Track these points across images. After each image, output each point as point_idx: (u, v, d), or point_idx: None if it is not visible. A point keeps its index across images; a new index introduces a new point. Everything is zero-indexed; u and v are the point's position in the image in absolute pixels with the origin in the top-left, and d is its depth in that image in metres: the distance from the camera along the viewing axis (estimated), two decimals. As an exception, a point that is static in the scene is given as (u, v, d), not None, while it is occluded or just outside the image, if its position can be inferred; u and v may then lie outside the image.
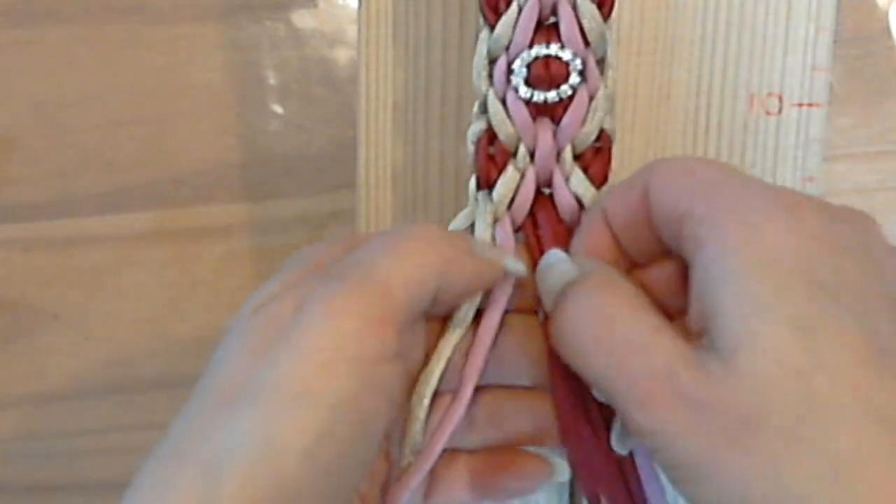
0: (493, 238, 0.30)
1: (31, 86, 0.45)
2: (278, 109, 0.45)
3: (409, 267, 0.26)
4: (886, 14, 0.44)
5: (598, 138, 0.31)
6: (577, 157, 0.31)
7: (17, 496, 0.44)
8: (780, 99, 0.37)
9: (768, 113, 0.37)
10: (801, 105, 0.37)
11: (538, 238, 0.31)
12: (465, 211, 0.31)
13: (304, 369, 0.24)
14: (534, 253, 0.31)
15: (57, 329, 0.44)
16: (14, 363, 0.44)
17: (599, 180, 0.31)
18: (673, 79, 0.37)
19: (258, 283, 0.45)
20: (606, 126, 0.30)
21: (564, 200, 0.30)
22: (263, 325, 0.25)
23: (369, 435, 0.25)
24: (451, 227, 0.31)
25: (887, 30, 0.44)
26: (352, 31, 0.45)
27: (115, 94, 0.45)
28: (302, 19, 0.45)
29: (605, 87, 0.30)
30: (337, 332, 0.24)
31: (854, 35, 0.44)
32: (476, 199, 0.31)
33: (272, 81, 0.45)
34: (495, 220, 0.31)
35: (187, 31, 0.45)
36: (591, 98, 0.30)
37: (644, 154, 0.37)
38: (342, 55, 0.45)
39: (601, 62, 0.30)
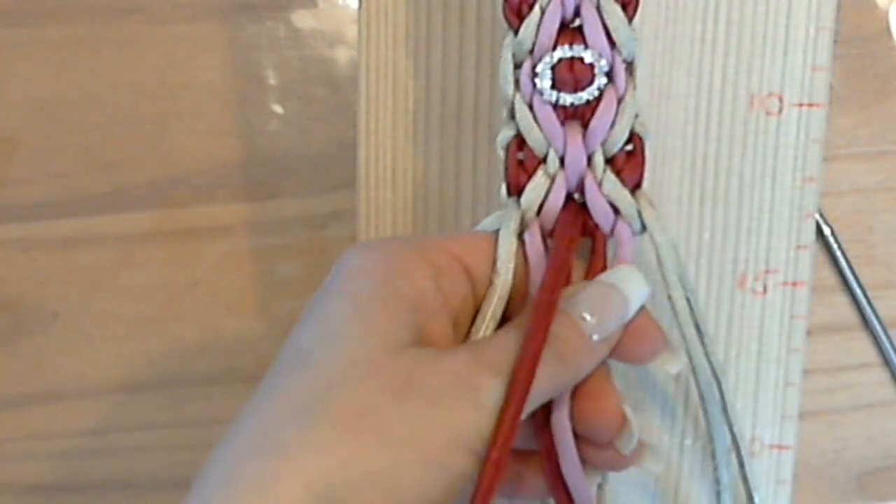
0: (522, 245, 0.30)
1: (31, 86, 0.45)
2: (278, 109, 0.45)
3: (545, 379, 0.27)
4: (886, 14, 0.44)
5: (630, 141, 0.30)
6: (608, 162, 0.30)
7: (17, 496, 0.44)
8: (780, 99, 0.37)
9: (768, 113, 0.37)
10: (801, 105, 0.37)
11: (567, 245, 0.30)
12: (493, 216, 0.31)
13: (446, 440, 0.25)
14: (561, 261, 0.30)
15: (57, 329, 0.44)
16: (14, 363, 0.44)
17: (633, 184, 0.30)
18: (673, 79, 0.37)
19: (258, 283, 0.45)
20: (638, 129, 0.30)
21: (598, 206, 0.30)
22: (406, 369, 0.26)
23: None
24: (476, 230, 0.31)
25: (887, 30, 0.44)
26: (352, 31, 0.45)
27: (115, 94, 0.45)
28: (302, 19, 0.45)
29: (635, 88, 0.30)
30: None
31: (854, 35, 0.44)
32: (505, 206, 0.30)
33: (272, 81, 0.45)
34: (524, 227, 0.30)
35: (187, 31, 0.45)
36: (620, 100, 0.30)
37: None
38: (342, 55, 0.45)
39: (630, 65, 0.30)
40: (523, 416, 0.27)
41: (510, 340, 0.27)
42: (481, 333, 0.29)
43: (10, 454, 0.44)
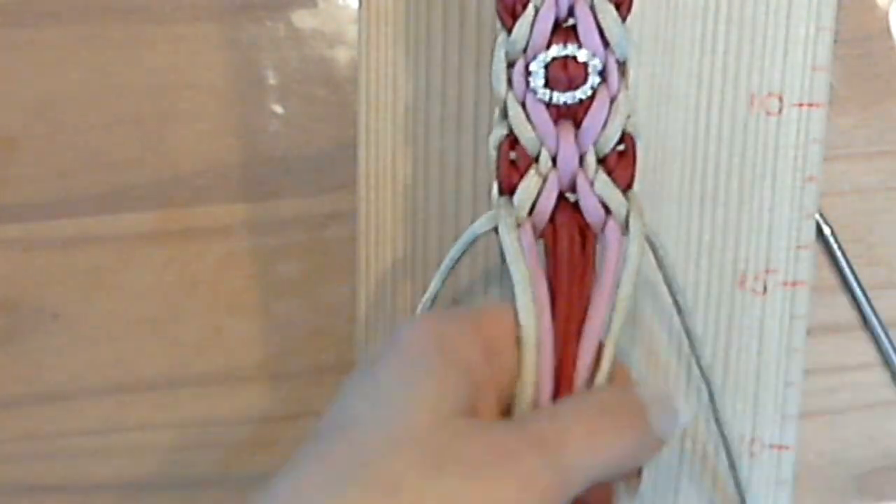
0: (519, 244, 0.30)
1: (31, 86, 0.45)
2: (278, 109, 0.45)
3: (598, 459, 0.27)
4: (886, 14, 0.44)
5: (622, 141, 0.30)
6: (600, 162, 0.30)
7: (17, 496, 0.44)
8: (780, 99, 0.37)
9: (768, 113, 0.37)
10: (801, 105, 0.37)
11: (557, 245, 0.30)
12: (485, 217, 0.31)
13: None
14: (551, 259, 0.30)
15: (57, 329, 0.44)
16: (14, 363, 0.44)
17: (625, 184, 0.30)
18: (673, 79, 0.37)
19: (258, 283, 0.45)
20: (630, 129, 0.30)
21: (590, 205, 0.30)
22: (449, 440, 0.26)
23: None
24: (469, 231, 0.31)
25: (887, 30, 0.44)
26: (352, 31, 0.45)
27: (115, 94, 0.45)
28: (302, 19, 0.45)
29: (627, 88, 0.30)
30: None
31: (854, 35, 0.44)
32: (498, 205, 0.30)
33: (272, 81, 0.45)
34: (517, 226, 0.30)
35: (187, 31, 0.45)
36: (613, 100, 0.30)
37: (644, 155, 0.36)
38: (342, 55, 0.45)
39: (622, 65, 0.30)
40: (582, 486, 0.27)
41: (556, 417, 0.27)
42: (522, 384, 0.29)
43: (10, 454, 0.44)
